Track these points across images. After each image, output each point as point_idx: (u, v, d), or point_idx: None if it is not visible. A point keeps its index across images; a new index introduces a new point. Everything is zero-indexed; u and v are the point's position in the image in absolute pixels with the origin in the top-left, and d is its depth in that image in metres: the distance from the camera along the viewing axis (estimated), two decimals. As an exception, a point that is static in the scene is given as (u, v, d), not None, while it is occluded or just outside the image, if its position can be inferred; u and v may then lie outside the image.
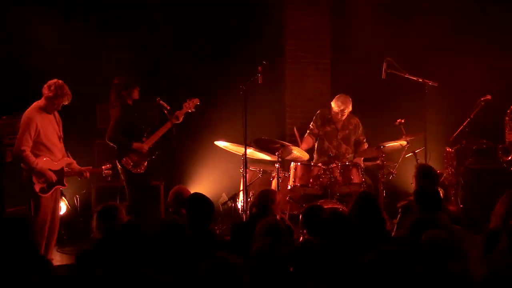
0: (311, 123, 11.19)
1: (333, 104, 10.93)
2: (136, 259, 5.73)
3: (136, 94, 10.14)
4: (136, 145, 10.04)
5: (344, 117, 10.93)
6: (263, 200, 7.84)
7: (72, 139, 10.09)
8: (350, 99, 10.86)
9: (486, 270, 5.75)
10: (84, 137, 11.20)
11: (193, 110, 10.25)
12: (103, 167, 9.91)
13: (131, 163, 10.02)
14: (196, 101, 10.27)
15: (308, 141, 11.04)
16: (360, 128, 11.09)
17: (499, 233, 6.73)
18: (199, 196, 7.30)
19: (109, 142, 10.11)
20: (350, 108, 10.88)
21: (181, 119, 10.15)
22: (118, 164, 10.06)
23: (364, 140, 11.08)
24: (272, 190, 8.79)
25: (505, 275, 5.25)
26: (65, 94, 9.14)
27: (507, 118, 10.41)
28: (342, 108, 10.82)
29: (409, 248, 5.46)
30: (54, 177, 9.12)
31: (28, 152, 8.96)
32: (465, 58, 11.69)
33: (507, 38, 11.64)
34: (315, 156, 11.03)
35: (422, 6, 11.85)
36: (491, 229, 7.04)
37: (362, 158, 10.85)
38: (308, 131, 11.20)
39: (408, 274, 4.69)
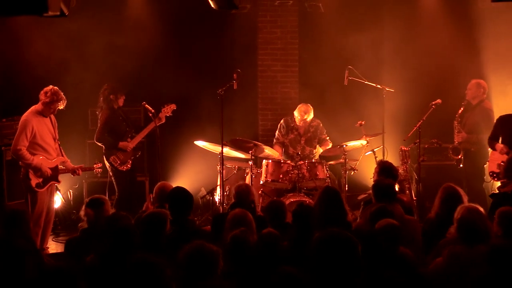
0: (277, 133, 11.25)
1: (295, 113, 10.99)
2: (124, 246, 5.72)
3: (121, 102, 10.25)
4: (121, 144, 10.13)
5: (306, 124, 11.00)
6: (240, 193, 7.84)
7: (67, 139, 10.14)
8: (311, 107, 10.93)
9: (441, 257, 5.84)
10: (77, 138, 11.17)
11: (170, 114, 10.31)
12: (94, 165, 10.01)
13: (118, 161, 10.10)
14: (173, 106, 10.34)
15: (277, 149, 11.08)
16: (321, 129, 11.14)
17: (437, 222, 6.84)
18: (179, 190, 7.33)
19: (97, 142, 10.19)
20: (311, 115, 10.92)
21: (163, 120, 10.21)
22: (106, 161, 10.12)
23: (327, 138, 11.12)
24: (247, 184, 8.78)
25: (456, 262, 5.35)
26: (60, 99, 9.16)
27: (455, 122, 10.48)
28: (304, 117, 10.89)
29: (364, 235, 5.50)
30: (49, 171, 9.14)
31: (24, 150, 8.97)
32: (417, 66, 11.78)
33: (455, 49, 11.73)
34: (284, 158, 11.08)
35: (378, 20, 11.89)
36: (428, 219, 7.16)
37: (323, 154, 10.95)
38: (275, 141, 11.27)
39: (353, 252, 4.70)
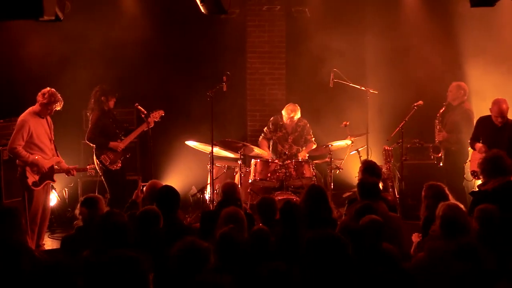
0: (265, 128, 11.30)
1: (283, 112, 11.04)
2: (115, 243, 5.70)
3: (112, 104, 10.25)
4: (112, 144, 10.14)
5: (294, 123, 11.01)
6: (227, 191, 7.84)
7: (62, 140, 10.10)
8: (298, 107, 10.97)
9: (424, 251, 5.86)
10: (72, 138, 11.14)
11: (158, 119, 10.32)
12: (87, 166, 10.02)
13: (108, 160, 10.09)
14: (161, 112, 10.38)
15: (263, 143, 11.12)
16: (307, 129, 11.16)
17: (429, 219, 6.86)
18: (167, 188, 7.32)
19: (88, 142, 10.18)
20: (298, 114, 10.98)
21: (152, 125, 10.21)
22: (96, 160, 10.10)
23: (312, 139, 11.15)
24: (234, 182, 8.77)
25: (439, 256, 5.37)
26: (57, 100, 9.15)
27: (436, 121, 10.50)
28: (291, 115, 10.93)
29: (348, 231, 5.51)
30: (46, 166, 9.10)
31: (19, 149, 8.95)
32: (400, 69, 11.81)
33: (437, 52, 11.77)
34: (273, 156, 11.09)
35: (362, 25, 11.91)
36: (425, 216, 7.17)
37: (306, 153, 10.96)
38: (262, 135, 11.32)
39: (344, 252, 4.74)
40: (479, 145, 9.65)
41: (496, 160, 7.57)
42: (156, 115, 10.33)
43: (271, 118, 11.32)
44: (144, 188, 8.22)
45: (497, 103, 9.41)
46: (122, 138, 10.33)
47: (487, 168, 7.59)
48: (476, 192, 7.81)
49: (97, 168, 10.15)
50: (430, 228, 6.67)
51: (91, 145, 10.19)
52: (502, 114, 9.40)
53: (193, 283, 4.32)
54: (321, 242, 4.74)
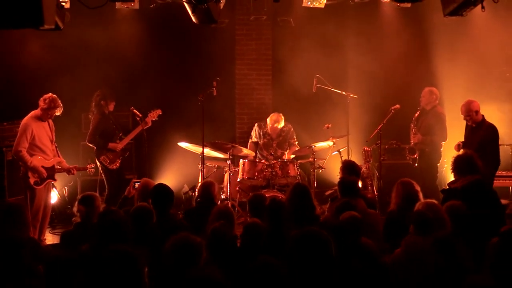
0: (252, 133, 11.38)
1: (268, 120, 11.08)
2: (112, 238, 5.68)
3: (111, 107, 10.25)
4: (111, 145, 10.13)
5: (278, 130, 11.02)
6: (205, 189, 7.80)
7: (62, 141, 10.06)
8: (282, 116, 11.00)
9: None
10: (72, 140, 11.10)
11: (156, 118, 10.32)
12: (87, 166, 9.98)
13: (108, 160, 10.07)
14: (159, 112, 10.38)
15: (251, 147, 11.14)
16: (291, 133, 11.16)
17: (398, 215, 6.87)
18: (161, 186, 7.30)
19: (88, 144, 10.16)
20: (282, 123, 11.02)
21: (150, 124, 10.21)
22: (97, 161, 10.09)
23: (295, 143, 11.16)
24: (210, 180, 8.69)
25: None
26: (57, 106, 9.13)
27: (412, 125, 10.51)
28: (275, 125, 10.96)
29: (329, 227, 5.51)
30: (45, 173, 9.10)
31: (24, 152, 8.93)
32: (378, 75, 11.84)
33: (412, 59, 11.80)
34: (259, 157, 11.09)
35: (343, 34, 11.93)
36: (390, 212, 7.19)
37: (292, 154, 10.96)
38: (250, 140, 11.36)
39: (327, 248, 4.75)
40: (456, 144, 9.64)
41: (467, 159, 7.59)
42: (154, 115, 10.33)
43: (255, 125, 11.35)
44: (136, 185, 8.20)
45: (463, 104, 9.42)
46: (122, 137, 10.30)
47: (458, 166, 7.61)
48: (446, 190, 7.83)
49: (98, 167, 10.13)
50: (394, 221, 6.75)
51: (91, 146, 10.16)
52: (466, 113, 9.35)
53: (186, 279, 4.29)
54: (305, 238, 4.74)
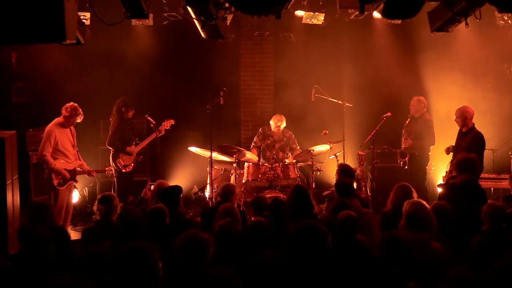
0: (255, 138, 11.28)
1: (271, 121, 11.04)
2: (131, 235, 5.69)
3: (130, 114, 10.23)
4: (129, 148, 10.12)
5: (280, 131, 11.01)
6: (226, 191, 7.81)
7: (83, 145, 10.07)
8: (284, 117, 10.98)
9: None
10: (91, 144, 11.10)
11: (169, 127, 10.32)
12: (106, 168, 9.99)
13: (122, 163, 10.07)
14: (172, 122, 10.37)
15: (253, 151, 11.08)
16: (293, 139, 11.14)
17: (392, 214, 6.87)
18: (169, 188, 7.31)
19: (108, 146, 10.15)
20: (284, 123, 10.97)
21: (163, 132, 10.22)
22: (112, 163, 10.07)
23: (297, 148, 11.13)
24: (232, 184, 8.76)
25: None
26: (78, 114, 9.16)
27: (403, 130, 10.50)
28: (278, 124, 10.93)
29: (327, 224, 5.50)
30: (67, 175, 9.13)
31: (48, 156, 8.97)
32: (371, 85, 11.85)
33: (402, 71, 11.79)
34: (262, 161, 11.08)
35: (340, 48, 11.95)
36: (385, 212, 7.19)
37: (293, 158, 10.95)
38: (252, 144, 11.28)
39: (324, 240, 4.75)
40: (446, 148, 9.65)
41: (468, 160, 7.68)
42: (167, 124, 10.32)
43: (260, 129, 11.31)
44: (152, 187, 8.21)
45: (458, 108, 9.42)
46: (138, 142, 10.31)
47: (459, 165, 7.68)
48: (447, 184, 7.92)
49: (113, 169, 10.13)
50: (389, 220, 6.74)
51: (110, 149, 10.14)
52: (457, 115, 9.34)
53: (203, 278, 4.26)
54: (304, 230, 4.75)
